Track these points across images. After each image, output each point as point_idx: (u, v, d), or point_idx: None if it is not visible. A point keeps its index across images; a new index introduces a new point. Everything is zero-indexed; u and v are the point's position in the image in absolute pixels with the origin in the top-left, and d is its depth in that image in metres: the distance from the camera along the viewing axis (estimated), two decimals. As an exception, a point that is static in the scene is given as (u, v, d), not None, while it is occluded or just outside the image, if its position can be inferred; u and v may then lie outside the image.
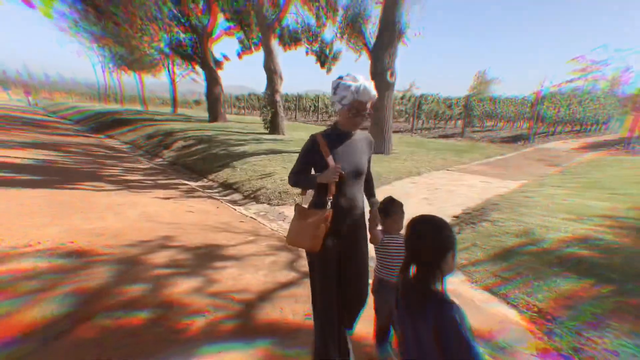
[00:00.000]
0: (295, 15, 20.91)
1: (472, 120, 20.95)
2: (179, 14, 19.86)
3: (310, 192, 2.70)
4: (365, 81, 2.40)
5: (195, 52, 22.05)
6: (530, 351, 3.06)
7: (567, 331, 3.23)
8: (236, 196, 7.31)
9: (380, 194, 6.98)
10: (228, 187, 7.95)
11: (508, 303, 3.70)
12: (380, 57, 11.05)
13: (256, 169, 8.65)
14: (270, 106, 16.10)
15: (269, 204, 6.84)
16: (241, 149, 10.84)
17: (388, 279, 2.75)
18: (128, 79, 39.18)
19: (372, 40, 11.72)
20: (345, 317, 2.75)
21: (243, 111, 42.52)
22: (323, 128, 23.30)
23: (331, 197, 2.48)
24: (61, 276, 3.68)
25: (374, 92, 2.41)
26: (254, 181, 7.84)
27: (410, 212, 6.47)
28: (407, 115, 25.22)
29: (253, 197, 7.13)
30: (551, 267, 4.10)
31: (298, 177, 2.58)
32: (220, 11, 20.49)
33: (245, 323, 3.20)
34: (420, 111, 23.60)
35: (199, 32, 20.94)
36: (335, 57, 22.88)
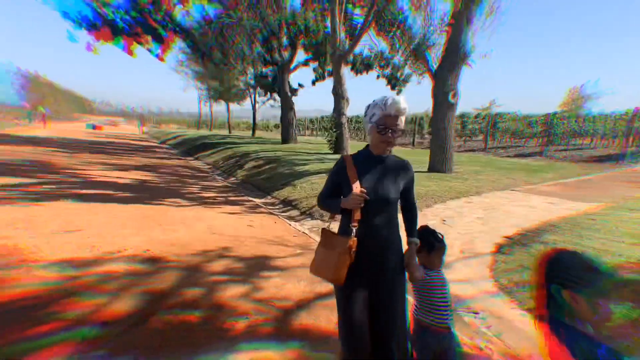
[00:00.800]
0: (369, 41, 21.61)
1: (554, 138, 19.52)
2: (264, 52, 21.51)
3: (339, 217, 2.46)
4: (395, 97, 2.22)
5: (275, 82, 23.71)
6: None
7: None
8: (294, 212, 7.76)
9: (435, 213, 7.02)
10: (288, 203, 8.44)
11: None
12: (443, 79, 11.03)
13: (314, 187, 9.06)
14: (336, 128, 16.61)
15: (322, 220, 7.17)
16: (304, 168, 11.36)
17: (429, 322, 2.48)
18: (218, 107, 42.82)
19: (435, 64, 11.79)
20: None
21: (315, 133, 43.78)
22: (399, 148, 23.41)
23: (356, 224, 2.24)
24: (138, 278, 4.28)
25: (404, 105, 2.21)
26: (311, 199, 8.24)
27: (460, 230, 6.41)
28: (482, 134, 24.32)
29: (309, 213, 7.52)
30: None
31: (325, 201, 2.43)
32: (301, 46, 21.96)
33: (281, 327, 3.49)
34: (495, 130, 22.63)
35: (279, 65, 22.50)
36: (405, 80, 23.07)
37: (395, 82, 23.22)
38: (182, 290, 4.04)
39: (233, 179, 12.33)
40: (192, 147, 23.50)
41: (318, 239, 6.08)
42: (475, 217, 7.04)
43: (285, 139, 22.82)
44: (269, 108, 29.38)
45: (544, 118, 20.32)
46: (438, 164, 11.45)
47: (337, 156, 15.47)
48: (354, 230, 2.23)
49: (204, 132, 43.85)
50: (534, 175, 11.74)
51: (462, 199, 8.39)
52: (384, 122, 2.21)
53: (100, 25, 16.46)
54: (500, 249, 5.45)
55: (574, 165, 14.66)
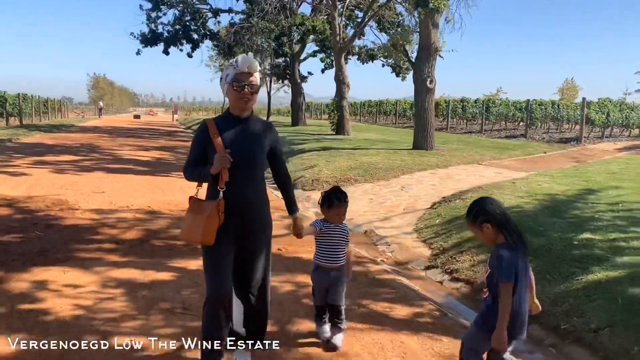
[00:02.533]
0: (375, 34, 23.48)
1: (534, 122, 20.46)
2: (276, 47, 23.31)
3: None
4: (244, 56, 2.25)
5: (286, 71, 25.22)
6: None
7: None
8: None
9: (400, 182, 8.25)
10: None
11: (425, 242, 4.96)
12: (421, 69, 12.13)
13: (304, 162, 10.38)
14: (337, 110, 17.83)
15: (302, 189, 8.51)
16: (301, 146, 12.67)
17: (325, 264, 2.77)
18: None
19: (413, 56, 13.16)
20: (250, 321, 2.58)
21: (327, 116, 44.82)
22: (399, 130, 24.61)
23: (223, 187, 2.22)
24: (141, 222, 5.69)
25: (255, 63, 2.25)
26: (298, 172, 9.58)
27: (411, 194, 7.86)
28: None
29: (295, 183, 8.87)
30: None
31: (191, 170, 2.34)
32: (310, 41, 23.74)
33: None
34: (489, 113, 23.35)
35: (291, 56, 24.07)
36: (408, 68, 24.03)
37: (399, 69, 24.32)
38: (169, 229, 5.34)
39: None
40: (210, 131, 25.16)
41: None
42: (430, 184, 8.23)
43: (295, 122, 24.14)
44: (284, 95, 30.77)
45: (525, 104, 21.17)
46: (420, 142, 12.55)
47: (338, 137, 16.72)
48: (221, 193, 2.22)
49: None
50: (504, 152, 12.73)
51: (429, 171, 9.53)
52: (238, 78, 2.21)
53: (155, 40, 21.54)
54: (432, 206, 6.69)
55: (544, 145, 15.51)
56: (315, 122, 32.15)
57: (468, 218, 2.23)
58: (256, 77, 2.28)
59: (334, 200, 2.72)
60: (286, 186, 2.58)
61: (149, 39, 21.62)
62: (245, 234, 2.34)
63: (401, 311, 3.38)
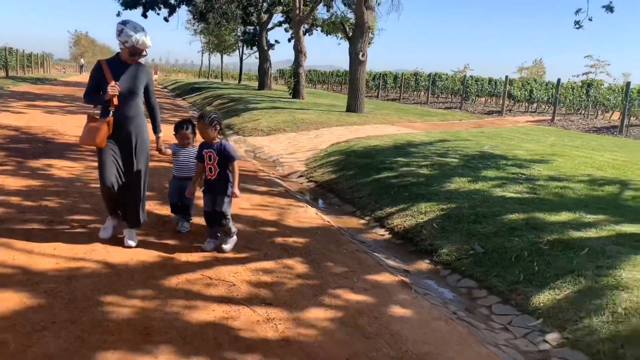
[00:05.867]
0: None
1: (469, 96, 22.98)
2: (244, 15, 24.80)
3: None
4: (142, 36, 3.00)
5: (255, 38, 26.81)
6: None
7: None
8: (228, 132, 11.26)
9: (317, 133, 10.54)
10: (229, 127, 11.93)
11: (306, 165, 7.33)
12: (355, 43, 14.18)
13: (251, 117, 12.50)
14: (295, 77, 19.79)
15: (243, 135, 10.72)
16: (256, 105, 14.71)
17: (179, 175, 3.66)
18: (216, 60, 45.96)
19: (350, 32, 15.10)
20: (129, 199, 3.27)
21: (315, 86, 46.29)
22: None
23: (113, 109, 3.06)
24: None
25: (149, 44, 3.06)
26: (244, 123, 11.74)
27: (321, 140, 10.27)
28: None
29: (237, 131, 11.05)
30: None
31: (89, 96, 3.18)
32: (277, 12, 25.23)
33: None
34: (435, 87, 25.73)
35: (258, 25, 25.64)
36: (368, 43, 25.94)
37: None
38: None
39: (201, 111, 15.79)
40: (182, 91, 26.66)
41: (235, 145, 9.62)
42: (337, 134, 10.50)
43: (262, 86, 25.90)
44: (255, 60, 32.15)
45: (462, 79, 23.58)
46: (352, 106, 14.77)
47: (292, 100, 18.76)
48: (111, 112, 3.06)
49: (201, 80, 46.57)
50: (423, 117, 15.10)
51: (345, 126, 11.77)
52: (135, 50, 3.06)
53: (134, 4, 22.50)
54: (328, 147, 9.01)
55: (467, 114, 18.03)
56: (282, 87, 33.86)
57: (205, 121, 3.13)
58: (146, 50, 3.14)
59: (180, 127, 3.60)
60: (154, 113, 3.45)
61: (129, 2, 22.62)
62: (128, 141, 3.19)
63: (265, 188, 5.73)
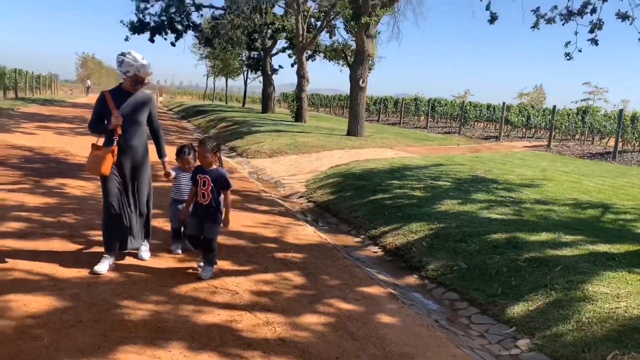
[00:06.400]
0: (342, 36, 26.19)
1: (468, 121, 23.53)
2: (249, 42, 25.94)
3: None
4: (143, 61, 3.12)
5: (259, 63, 27.75)
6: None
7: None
8: (233, 154, 11.71)
9: (318, 155, 10.99)
10: (233, 150, 12.39)
11: (306, 186, 7.69)
12: (355, 70, 14.80)
13: (255, 139, 12.97)
14: (297, 101, 20.44)
15: (246, 157, 11.16)
16: (258, 129, 15.22)
17: (178, 198, 3.79)
18: (221, 83, 47.21)
19: (351, 59, 15.74)
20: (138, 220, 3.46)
21: (317, 109, 47.28)
22: (375, 125, 27.72)
23: (117, 137, 3.17)
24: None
25: (150, 70, 3.18)
26: (247, 145, 12.19)
27: (322, 162, 10.93)
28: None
29: (242, 153, 11.50)
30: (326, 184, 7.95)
31: (93, 126, 3.30)
32: (281, 38, 26.32)
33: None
34: (434, 112, 26.38)
35: (263, 51, 26.66)
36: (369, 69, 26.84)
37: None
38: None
39: (206, 134, 16.27)
40: (187, 113, 27.39)
41: (238, 166, 10.04)
42: (338, 157, 10.93)
43: (265, 109, 26.62)
44: (259, 84, 33.12)
45: (459, 105, 24.22)
46: (352, 130, 15.27)
47: (295, 123, 19.31)
48: (115, 141, 3.18)
49: (206, 102, 47.61)
50: (421, 142, 15.57)
51: (345, 150, 12.22)
52: (137, 79, 3.19)
53: (143, 29, 23.40)
54: (328, 170, 9.40)
55: (465, 139, 18.50)
56: (284, 110, 34.67)
57: (206, 147, 3.23)
58: (148, 78, 3.28)
59: (181, 153, 3.72)
60: (157, 139, 3.55)
61: (137, 27, 23.52)
62: (132, 169, 3.34)
63: (266, 208, 6.08)
